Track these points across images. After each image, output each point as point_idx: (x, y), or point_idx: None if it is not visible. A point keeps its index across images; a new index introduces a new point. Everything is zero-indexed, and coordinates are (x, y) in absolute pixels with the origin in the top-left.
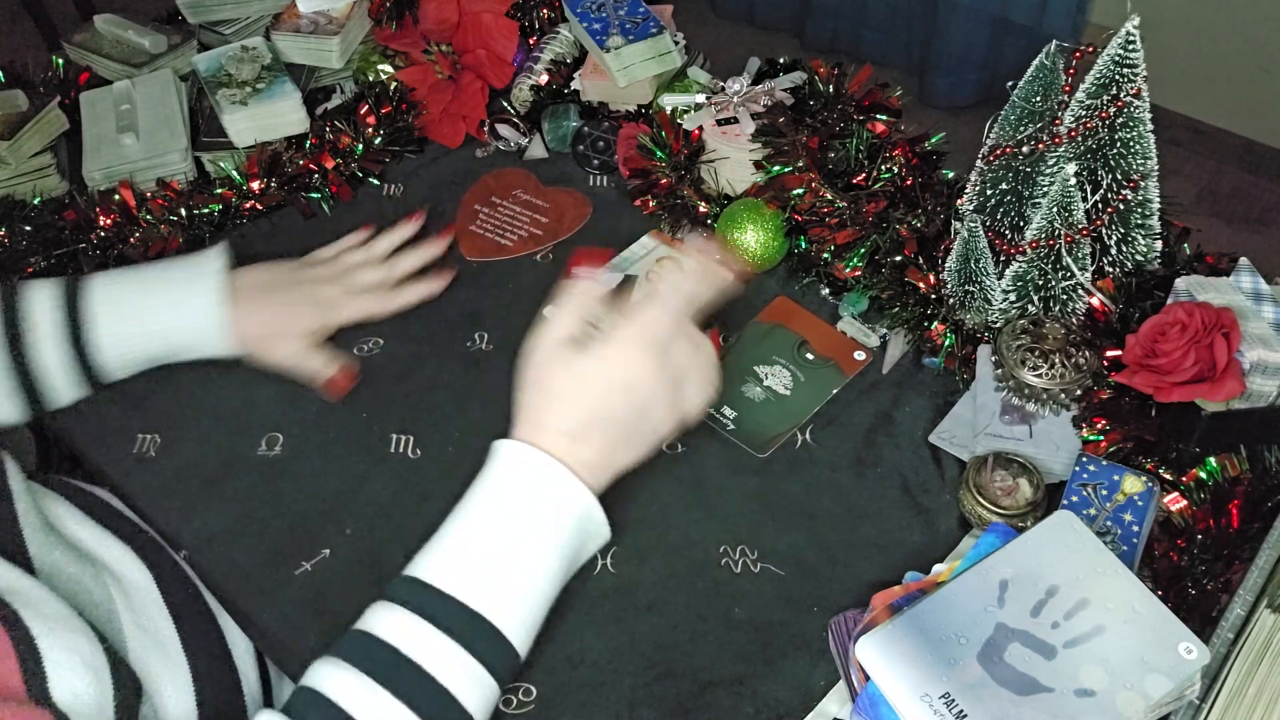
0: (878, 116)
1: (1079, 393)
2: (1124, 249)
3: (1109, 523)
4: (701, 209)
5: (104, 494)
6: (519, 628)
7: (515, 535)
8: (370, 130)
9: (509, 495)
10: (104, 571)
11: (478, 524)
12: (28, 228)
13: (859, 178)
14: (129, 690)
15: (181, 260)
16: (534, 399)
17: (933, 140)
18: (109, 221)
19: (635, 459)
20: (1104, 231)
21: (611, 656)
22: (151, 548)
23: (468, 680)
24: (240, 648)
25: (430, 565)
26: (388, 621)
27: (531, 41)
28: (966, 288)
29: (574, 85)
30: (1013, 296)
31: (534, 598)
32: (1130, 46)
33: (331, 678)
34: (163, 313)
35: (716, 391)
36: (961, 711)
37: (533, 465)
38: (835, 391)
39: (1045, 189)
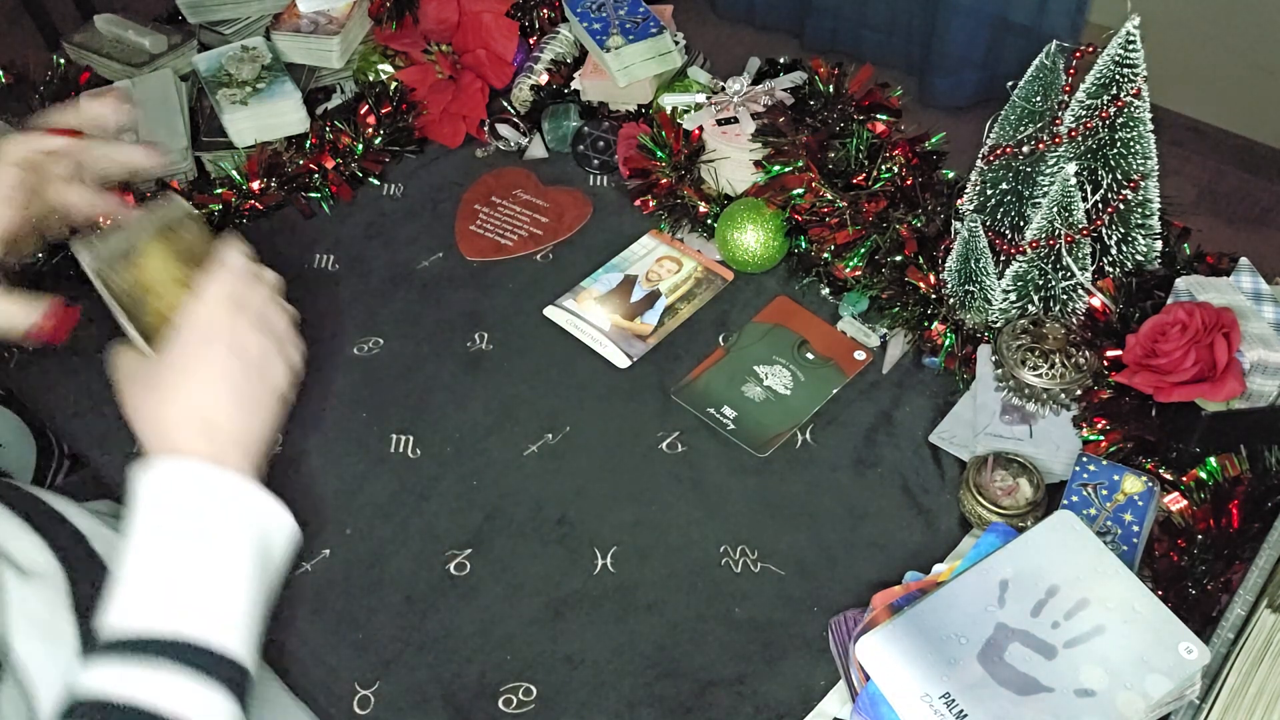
0: (878, 116)
1: (1079, 393)
2: (1124, 249)
3: (1109, 523)
4: (701, 209)
5: (33, 489)
6: (228, 634)
7: (187, 548)
8: (370, 130)
9: (162, 511)
10: (6, 567)
11: (146, 554)
12: None
13: (859, 178)
14: None
15: None
16: (143, 417)
17: (933, 140)
18: (109, 222)
19: (264, 422)
20: (1104, 231)
21: (611, 656)
22: (74, 544)
23: (198, 700)
24: None
25: (121, 610)
26: (101, 678)
27: (531, 41)
28: (966, 288)
29: (574, 85)
30: (1013, 296)
31: (232, 600)
32: (1130, 46)
33: None
34: None
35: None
36: (962, 711)
37: (171, 474)
38: (835, 391)
39: (1045, 189)
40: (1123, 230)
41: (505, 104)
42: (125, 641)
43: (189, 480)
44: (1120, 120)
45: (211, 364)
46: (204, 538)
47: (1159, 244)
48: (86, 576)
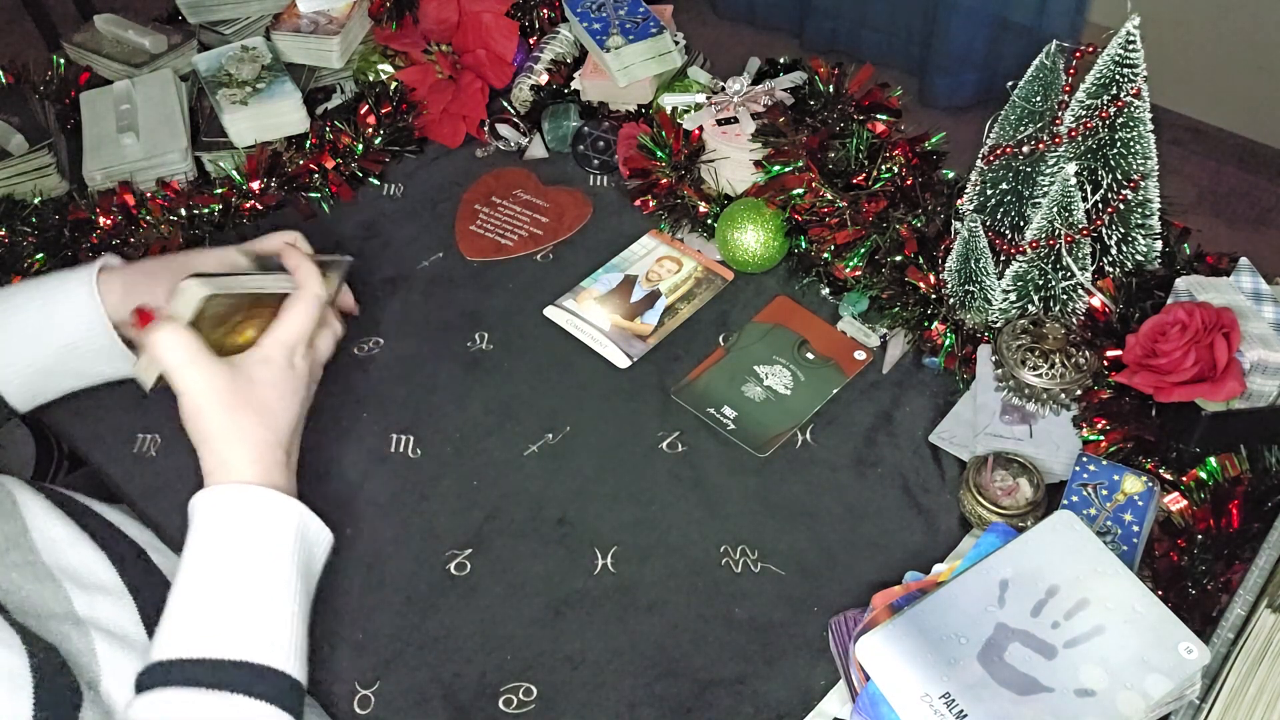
0: (878, 116)
1: (1079, 393)
2: (1124, 249)
3: (1109, 523)
4: (701, 209)
5: (86, 500)
6: (285, 654)
7: (241, 573)
8: (370, 130)
9: (221, 541)
10: (67, 581)
11: (203, 581)
12: (26, 229)
13: (859, 178)
14: (59, 700)
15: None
16: (206, 446)
17: (933, 140)
18: (109, 222)
19: (297, 437)
20: (1104, 231)
21: (612, 656)
22: (134, 559)
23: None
24: None
25: (174, 640)
26: (164, 702)
27: (531, 41)
28: (966, 288)
29: (574, 85)
30: (1013, 296)
31: (286, 621)
32: (1130, 46)
33: None
34: (32, 311)
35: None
36: (961, 711)
37: (231, 502)
38: (835, 391)
39: (1045, 189)
40: (1123, 230)
41: (505, 104)
42: (189, 663)
43: (250, 504)
44: (1120, 120)
45: (295, 394)
46: (259, 561)
47: (1159, 244)
48: (150, 593)
